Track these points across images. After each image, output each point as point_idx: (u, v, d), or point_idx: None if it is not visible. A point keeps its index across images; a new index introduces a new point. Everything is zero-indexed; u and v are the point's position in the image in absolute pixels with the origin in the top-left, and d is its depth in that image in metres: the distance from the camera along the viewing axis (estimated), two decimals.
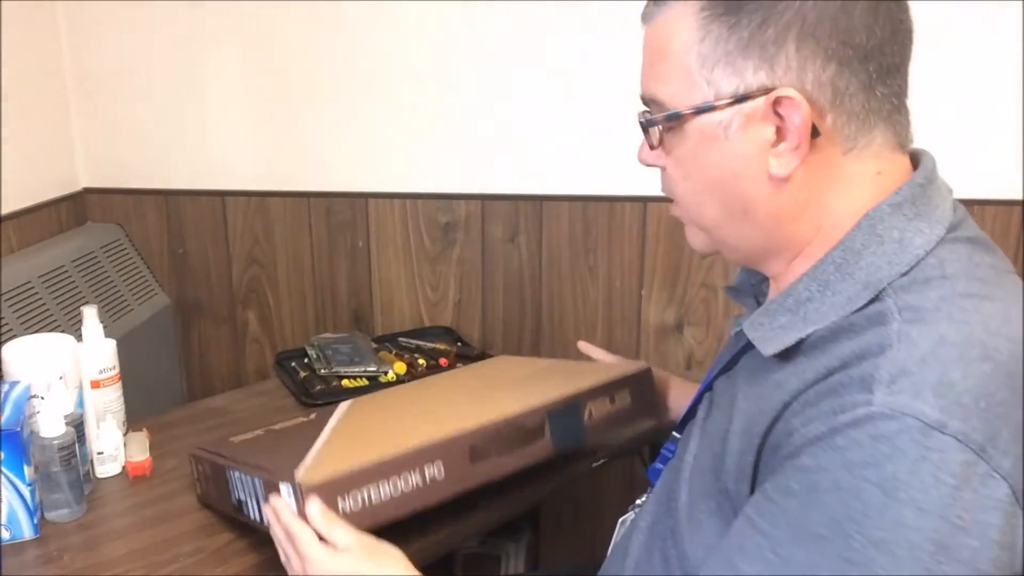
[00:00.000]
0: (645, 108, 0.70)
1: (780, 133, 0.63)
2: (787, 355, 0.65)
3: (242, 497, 0.91)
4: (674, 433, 0.82)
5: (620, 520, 0.89)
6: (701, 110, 0.64)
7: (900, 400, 0.55)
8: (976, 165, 1.26)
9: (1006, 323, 0.59)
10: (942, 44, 1.23)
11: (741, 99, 0.62)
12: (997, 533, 0.54)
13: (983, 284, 0.62)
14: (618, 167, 1.42)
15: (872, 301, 0.62)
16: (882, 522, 0.54)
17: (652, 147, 0.70)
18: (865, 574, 0.54)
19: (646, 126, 0.69)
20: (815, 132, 0.62)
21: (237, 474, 0.91)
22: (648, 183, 1.40)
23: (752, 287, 0.79)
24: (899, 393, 0.55)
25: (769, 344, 0.65)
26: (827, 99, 0.62)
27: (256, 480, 0.87)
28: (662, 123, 0.67)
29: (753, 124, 0.63)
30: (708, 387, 0.77)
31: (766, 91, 0.62)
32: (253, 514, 0.89)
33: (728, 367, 0.75)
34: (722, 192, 0.67)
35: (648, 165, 0.72)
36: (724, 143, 0.64)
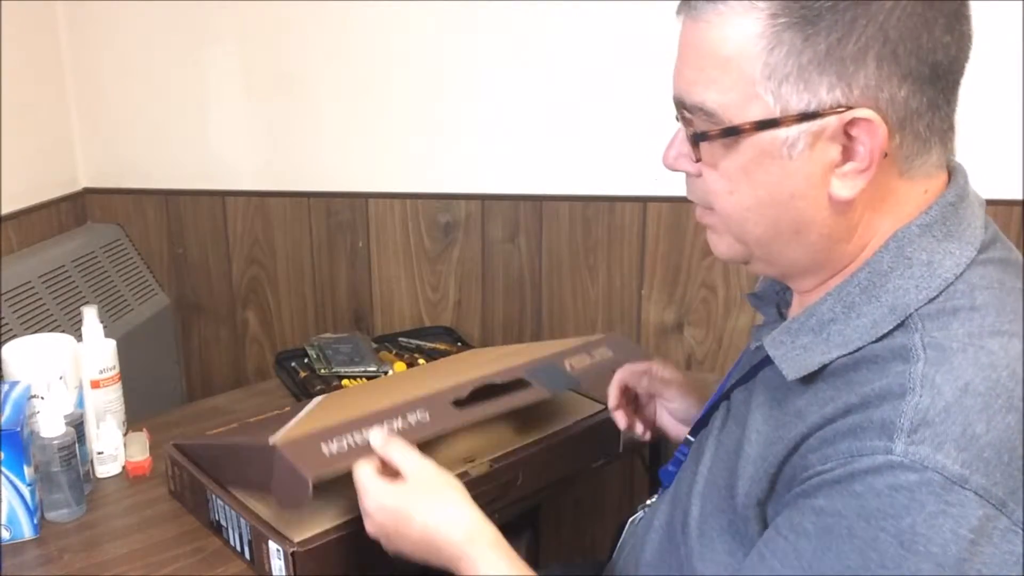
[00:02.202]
0: (684, 113, 0.64)
1: (846, 153, 0.59)
2: (808, 379, 0.63)
3: (223, 523, 0.93)
4: (688, 436, 0.80)
5: (630, 520, 0.89)
6: (764, 125, 0.59)
7: (921, 451, 0.54)
8: (976, 165, 1.26)
9: None
10: None
11: (812, 116, 0.58)
12: None
13: (1014, 318, 0.60)
14: (618, 167, 1.42)
15: (897, 327, 0.60)
16: (898, 574, 0.53)
17: (697, 160, 0.64)
18: None
19: (698, 140, 0.63)
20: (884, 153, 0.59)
21: (220, 502, 0.92)
22: (648, 183, 1.40)
23: (776, 295, 0.77)
24: (920, 444, 0.54)
25: (792, 367, 0.64)
26: (898, 119, 0.58)
27: (243, 521, 0.88)
28: (719, 137, 0.62)
29: (820, 143, 0.59)
30: (725, 396, 0.76)
31: (840, 110, 0.58)
32: (233, 542, 0.92)
33: (746, 379, 0.73)
34: (775, 211, 0.62)
35: (676, 171, 0.67)
36: (786, 162, 0.60)
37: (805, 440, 0.60)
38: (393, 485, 0.77)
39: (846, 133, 0.58)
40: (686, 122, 0.64)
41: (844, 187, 0.60)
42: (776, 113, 0.59)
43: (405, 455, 0.78)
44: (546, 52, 1.40)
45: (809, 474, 0.58)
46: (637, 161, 1.40)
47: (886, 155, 0.59)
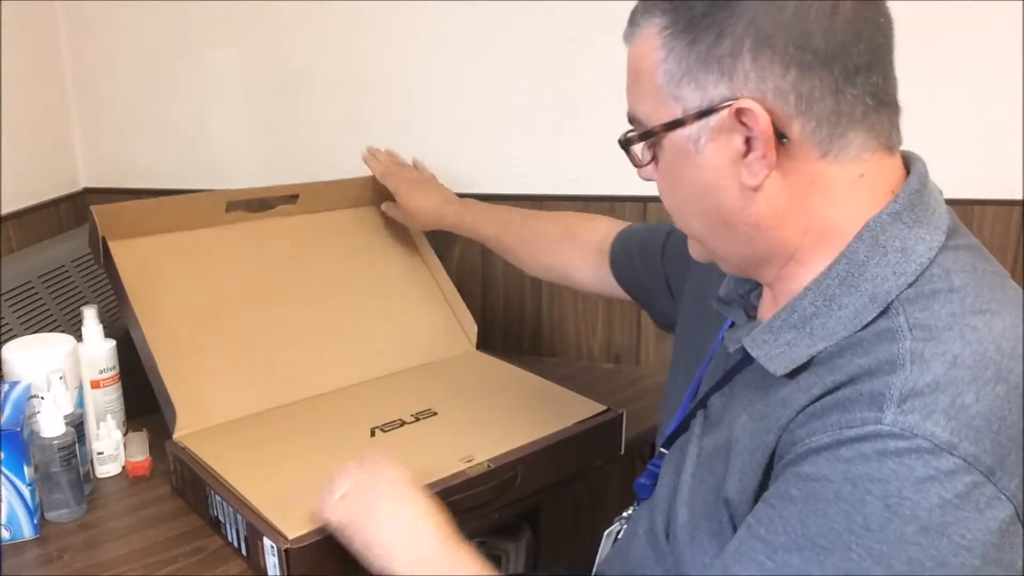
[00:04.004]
0: (630, 127, 0.70)
1: (749, 143, 0.62)
2: (793, 372, 0.64)
3: (222, 519, 0.93)
4: (661, 449, 0.81)
5: (606, 533, 0.89)
6: (671, 126, 0.65)
7: (911, 420, 0.55)
8: (976, 165, 1.26)
9: (1017, 342, 0.59)
10: (941, 43, 1.23)
11: (707, 113, 0.63)
12: (997, 552, 0.54)
13: (991, 297, 0.61)
14: (618, 167, 1.41)
15: (880, 315, 0.61)
16: (883, 536, 0.54)
17: (636, 164, 0.71)
18: None
19: (625, 145, 0.70)
20: (784, 139, 0.62)
21: (219, 499, 0.93)
22: (648, 183, 1.40)
23: (740, 298, 0.78)
24: (910, 413, 0.55)
25: (778, 363, 0.65)
26: (791, 105, 0.61)
27: (239, 517, 0.90)
28: (638, 141, 0.68)
29: (721, 136, 0.63)
30: (701, 404, 0.76)
31: (727, 103, 0.62)
32: (232, 539, 0.93)
33: (721, 384, 0.74)
34: (700, 204, 0.67)
35: (646, 180, 0.73)
36: (696, 157, 0.65)
37: (793, 420, 0.61)
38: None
39: (743, 123, 0.62)
40: (626, 133, 0.70)
41: (750, 175, 0.63)
42: (679, 113, 0.64)
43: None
44: (546, 52, 1.40)
45: (798, 447, 0.59)
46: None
47: (785, 140, 0.62)
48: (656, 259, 1.01)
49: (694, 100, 0.63)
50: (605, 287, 1.10)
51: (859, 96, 0.62)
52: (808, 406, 0.60)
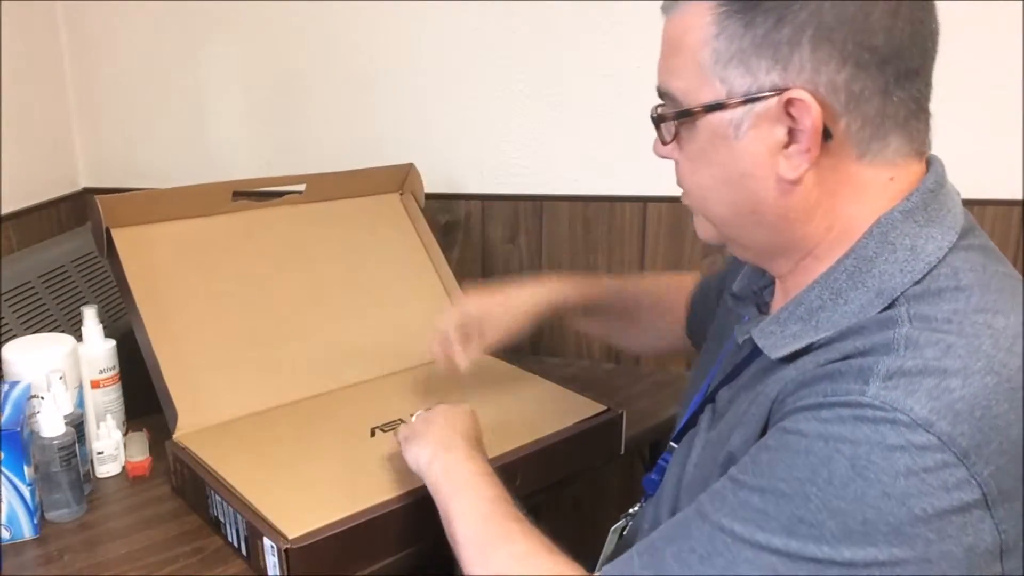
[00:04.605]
0: (660, 102, 0.68)
1: (792, 135, 0.61)
2: (792, 357, 0.65)
3: (222, 519, 0.93)
4: (671, 443, 0.81)
5: (612, 528, 0.89)
6: (712, 108, 0.63)
7: (893, 395, 0.55)
8: (976, 165, 1.26)
9: (1017, 339, 0.59)
10: (941, 43, 1.23)
11: (753, 99, 0.61)
12: (957, 531, 0.54)
13: (998, 298, 0.61)
14: (618, 167, 1.42)
15: (885, 310, 0.61)
16: (843, 493, 0.55)
17: (664, 143, 0.69)
18: (813, 535, 0.55)
19: (658, 121, 0.68)
20: (828, 135, 0.61)
21: (219, 499, 0.93)
22: (648, 183, 1.40)
23: (754, 294, 0.78)
24: (893, 389, 0.56)
25: (779, 349, 0.65)
26: (841, 103, 0.60)
27: (239, 517, 0.90)
28: (673, 119, 0.66)
29: (764, 124, 0.62)
30: (710, 397, 0.76)
31: (778, 92, 0.60)
32: (232, 539, 0.93)
33: (730, 378, 0.74)
34: (730, 191, 0.66)
35: (662, 157, 0.71)
36: (734, 142, 0.63)
37: (784, 389, 0.62)
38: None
39: (789, 115, 0.61)
40: (655, 108, 0.68)
41: (789, 167, 0.62)
42: (723, 96, 0.62)
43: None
44: (546, 52, 1.40)
45: (786, 408, 0.61)
46: (637, 161, 1.40)
47: (830, 136, 0.61)
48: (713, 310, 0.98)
49: (742, 84, 0.61)
50: (683, 346, 1.08)
51: (904, 100, 0.62)
52: (800, 378, 0.61)
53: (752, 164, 0.63)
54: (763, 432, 0.63)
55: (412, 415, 0.95)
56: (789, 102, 0.60)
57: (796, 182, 0.63)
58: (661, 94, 0.68)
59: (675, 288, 1.08)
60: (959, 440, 0.54)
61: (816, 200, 0.64)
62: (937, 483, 0.54)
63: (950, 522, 0.54)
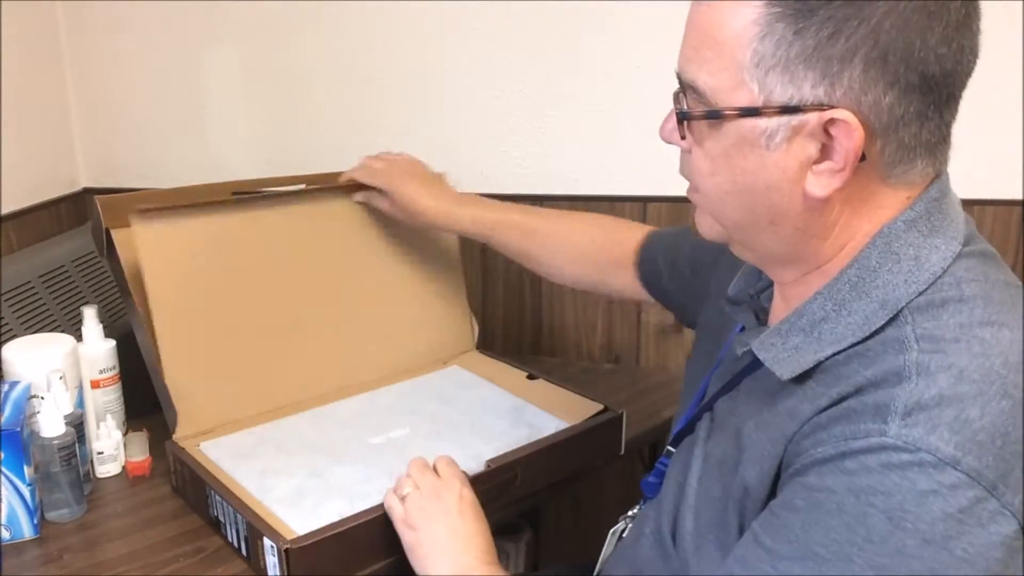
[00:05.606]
0: (680, 86, 0.64)
1: (824, 151, 0.59)
2: (799, 379, 0.63)
3: (222, 519, 0.93)
4: (668, 447, 0.80)
5: (611, 531, 0.89)
6: (746, 113, 0.59)
7: (915, 433, 0.54)
8: (976, 165, 1.26)
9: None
10: None
11: (793, 110, 0.58)
12: (1000, 567, 0.54)
13: (1001, 308, 0.60)
14: (618, 167, 1.42)
15: (889, 323, 0.60)
16: (885, 549, 0.54)
17: (683, 136, 0.64)
18: None
19: (681, 118, 0.63)
20: (862, 156, 0.58)
21: (219, 499, 0.93)
22: (648, 183, 1.40)
23: (751, 298, 0.76)
24: (914, 427, 0.54)
25: (784, 367, 0.64)
26: (881, 125, 0.58)
27: (239, 517, 0.90)
28: (702, 119, 0.62)
29: (799, 139, 0.59)
30: (708, 406, 0.75)
31: (821, 108, 0.57)
32: (232, 539, 0.93)
33: (729, 387, 0.73)
34: (752, 199, 0.63)
35: (668, 143, 0.67)
36: (764, 152, 0.60)
37: (799, 431, 0.61)
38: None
39: (826, 132, 0.58)
40: (678, 98, 0.65)
41: (818, 185, 0.60)
42: (759, 102, 0.59)
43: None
44: (545, 52, 1.40)
45: (803, 458, 0.59)
46: (637, 161, 1.40)
47: (865, 159, 0.59)
48: (685, 276, 0.97)
49: (782, 93, 0.58)
50: (638, 297, 1.05)
51: (939, 125, 0.60)
52: (813, 417, 0.60)
53: (780, 177, 0.61)
54: (778, 470, 0.62)
55: (396, 490, 0.91)
56: (831, 121, 0.57)
57: (824, 200, 0.61)
58: (683, 83, 0.63)
59: (619, 236, 1.06)
60: (986, 473, 0.54)
61: (836, 218, 0.62)
62: (973, 521, 0.53)
63: (994, 559, 0.53)
